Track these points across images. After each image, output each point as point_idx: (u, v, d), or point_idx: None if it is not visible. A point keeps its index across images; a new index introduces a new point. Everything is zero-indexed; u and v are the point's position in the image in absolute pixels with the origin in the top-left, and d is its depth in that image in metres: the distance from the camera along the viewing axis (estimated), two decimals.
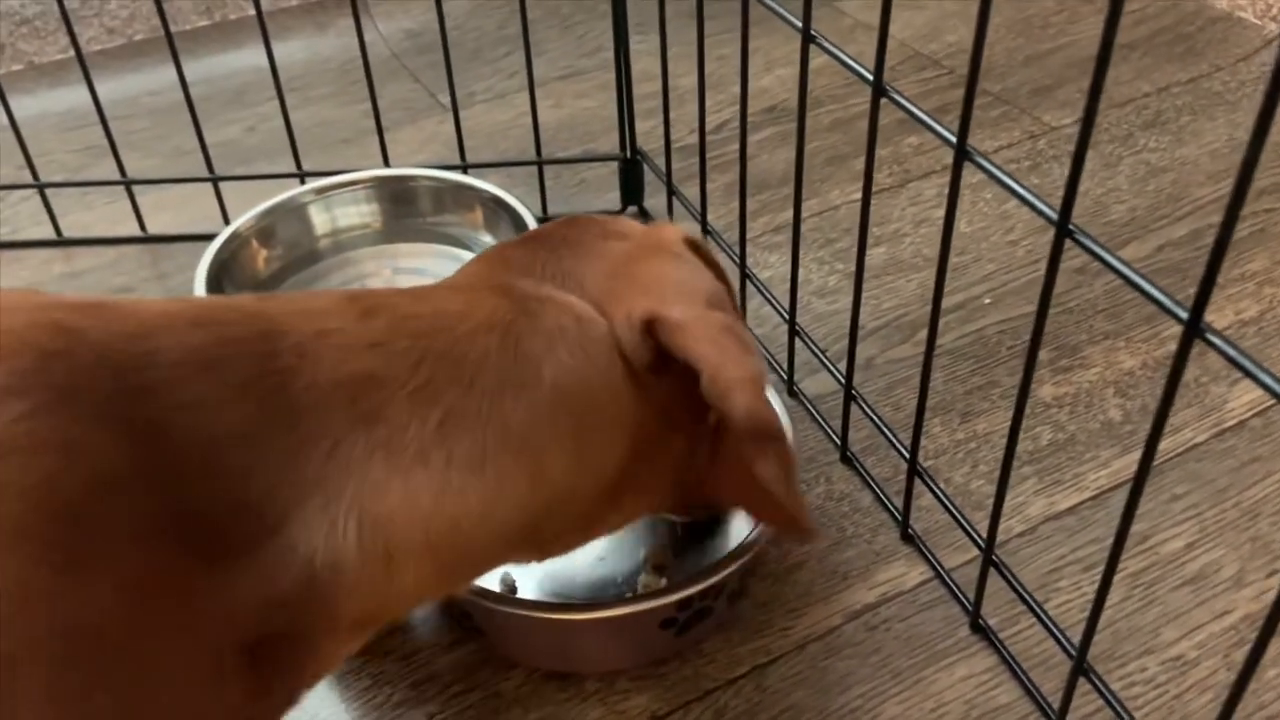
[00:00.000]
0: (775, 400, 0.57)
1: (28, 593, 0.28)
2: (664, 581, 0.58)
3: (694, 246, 0.48)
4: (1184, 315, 0.37)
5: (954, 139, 0.47)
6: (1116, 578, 0.45)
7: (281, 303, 0.37)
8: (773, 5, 0.60)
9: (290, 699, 0.36)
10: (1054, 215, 0.42)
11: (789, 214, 0.87)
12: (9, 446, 0.28)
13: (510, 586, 0.59)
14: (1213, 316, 0.74)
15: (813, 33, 0.56)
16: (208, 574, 0.31)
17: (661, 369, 0.42)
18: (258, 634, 0.33)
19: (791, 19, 0.58)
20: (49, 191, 0.88)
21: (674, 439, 0.45)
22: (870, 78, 0.52)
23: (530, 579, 0.59)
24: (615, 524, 0.47)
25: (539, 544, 0.43)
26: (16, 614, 0.27)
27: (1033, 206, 0.44)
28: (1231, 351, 0.36)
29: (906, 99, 0.51)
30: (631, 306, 0.42)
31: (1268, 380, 0.35)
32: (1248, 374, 0.36)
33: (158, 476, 0.31)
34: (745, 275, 0.74)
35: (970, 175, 0.86)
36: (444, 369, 0.37)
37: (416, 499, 0.35)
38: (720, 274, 0.49)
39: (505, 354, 0.38)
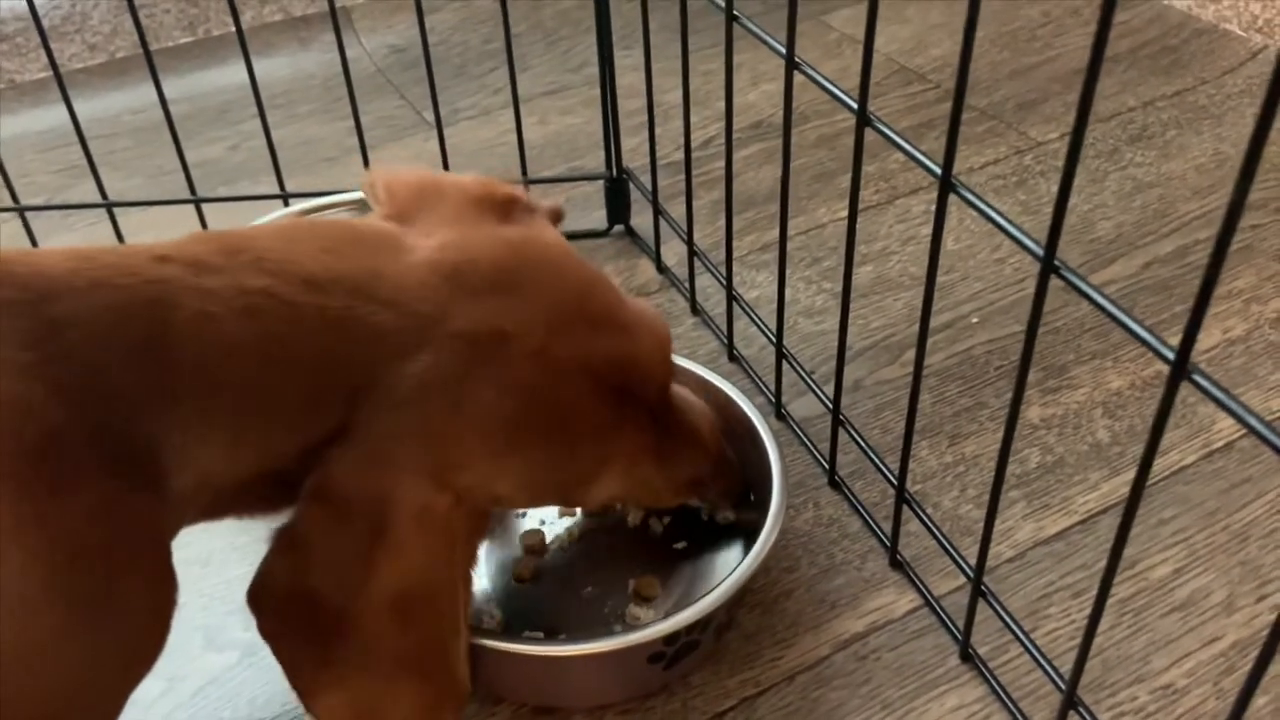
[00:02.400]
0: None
1: (20, 518, 0.34)
2: (651, 613, 0.58)
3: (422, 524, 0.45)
4: (1170, 355, 0.37)
5: (939, 170, 0.47)
6: (1104, 606, 0.45)
7: (177, 263, 0.41)
8: (757, 31, 0.59)
9: None
10: (1039, 250, 0.42)
11: (775, 232, 0.87)
12: None
13: (491, 616, 0.58)
14: (1200, 337, 0.74)
15: (797, 59, 0.56)
16: (139, 497, 0.38)
17: None
18: (165, 543, 0.40)
19: (775, 44, 0.57)
20: (29, 214, 0.87)
21: None
22: (855, 106, 0.51)
23: (517, 612, 0.59)
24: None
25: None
26: (15, 534, 0.34)
27: (1019, 242, 0.43)
28: (1219, 394, 0.36)
29: (890, 128, 0.51)
30: (332, 457, 0.43)
31: (1254, 423, 0.35)
32: (1232, 414, 0.36)
33: (85, 423, 0.37)
34: (732, 296, 0.74)
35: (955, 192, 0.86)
36: (262, 402, 0.41)
37: (226, 461, 0.41)
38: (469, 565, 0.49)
39: (299, 388, 0.42)
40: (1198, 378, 0.36)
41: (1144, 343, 0.38)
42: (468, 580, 0.48)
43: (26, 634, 0.34)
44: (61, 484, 0.35)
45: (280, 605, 0.42)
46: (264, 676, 0.57)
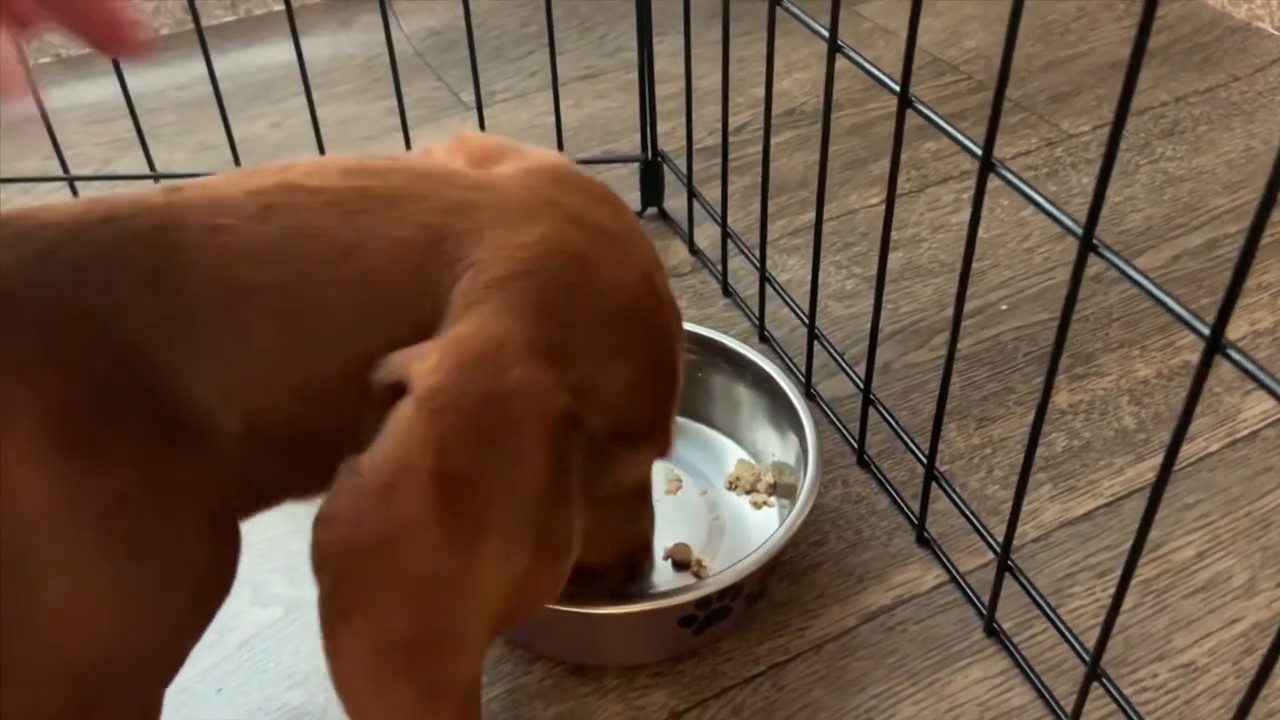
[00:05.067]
0: None
1: (65, 480, 0.33)
2: (684, 579, 0.59)
3: (559, 433, 0.39)
4: (1206, 331, 0.38)
5: (979, 151, 0.48)
6: (1129, 584, 0.46)
7: (188, 191, 0.39)
8: (799, 14, 0.61)
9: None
10: (1078, 230, 0.43)
11: (807, 217, 0.88)
12: (19, 369, 0.34)
13: None
14: (1228, 328, 0.75)
15: (840, 43, 0.57)
16: (184, 453, 0.36)
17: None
18: (223, 495, 0.38)
19: (818, 28, 0.58)
20: (77, 184, 0.89)
21: None
22: (897, 89, 0.53)
23: None
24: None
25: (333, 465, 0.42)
26: (62, 496, 0.33)
27: (1058, 220, 0.44)
28: (1252, 367, 0.37)
29: (931, 109, 0.52)
30: (421, 365, 0.37)
31: None
32: (1268, 390, 0.37)
33: (121, 379, 0.35)
34: (765, 278, 0.75)
35: (988, 181, 0.87)
36: (300, 311, 0.38)
37: (268, 408, 0.38)
38: (565, 477, 0.40)
39: (345, 317, 0.38)
40: (1232, 353, 0.37)
41: (1179, 318, 0.40)
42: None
43: (79, 594, 0.34)
44: (105, 443, 0.35)
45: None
46: (306, 631, 0.59)
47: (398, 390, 0.37)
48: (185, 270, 0.37)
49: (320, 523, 0.37)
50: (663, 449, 0.47)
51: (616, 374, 0.41)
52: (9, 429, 0.33)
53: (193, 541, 0.37)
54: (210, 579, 0.39)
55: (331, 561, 0.37)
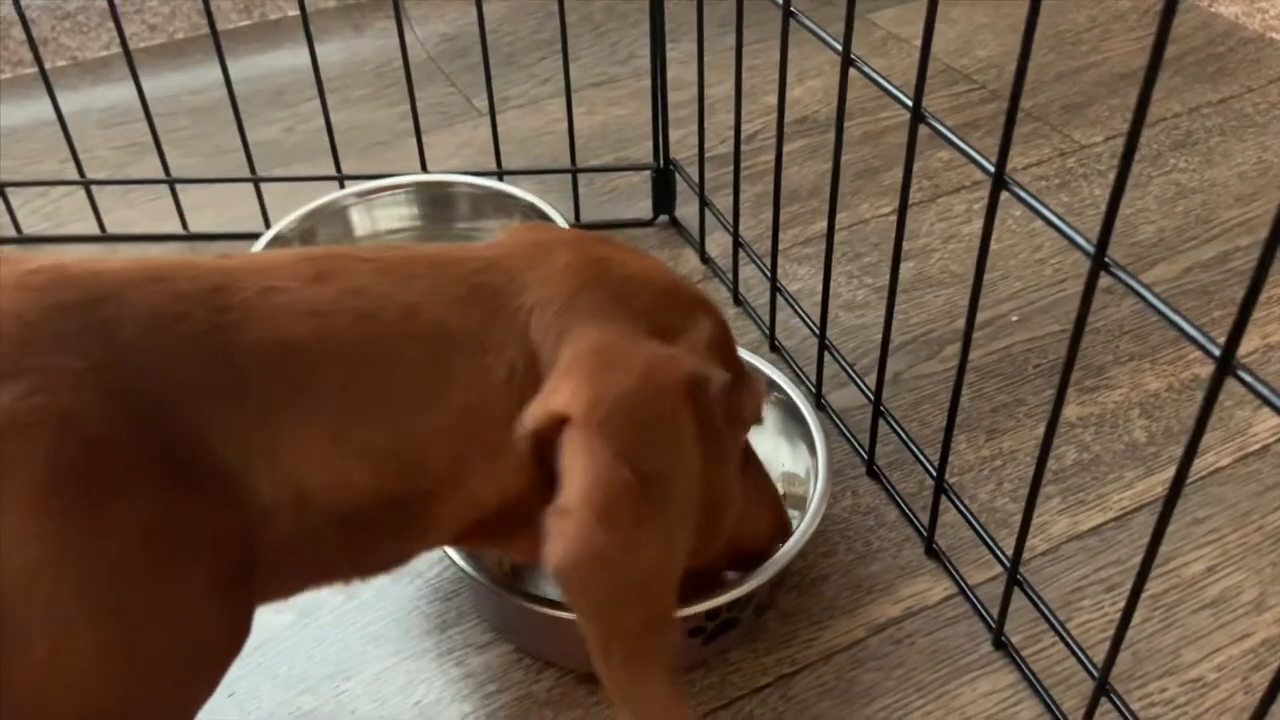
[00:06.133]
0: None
1: (59, 538, 0.33)
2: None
3: (698, 394, 0.43)
4: (1217, 351, 0.38)
5: (992, 167, 0.48)
6: (1139, 599, 0.46)
7: (240, 258, 0.39)
8: (812, 26, 0.61)
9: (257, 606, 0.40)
10: (1090, 247, 0.43)
11: (818, 226, 0.88)
12: (13, 426, 0.33)
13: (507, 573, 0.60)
14: (1240, 342, 0.75)
15: (852, 55, 0.57)
16: (195, 509, 0.36)
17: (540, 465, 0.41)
18: (240, 556, 0.37)
19: (831, 40, 0.59)
20: (93, 188, 0.89)
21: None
22: (909, 103, 0.53)
23: None
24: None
25: (417, 537, 0.44)
26: (53, 557, 0.33)
27: (1070, 239, 0.45)
28: (1263, 389, 0.37)
29: (943, 124, 0.52)
30: (557, 400, 0.39)
31: None
32: (1276, 410, 0.37)
33: (138, 432, 0.35)
34: (776, 288, 0.75)
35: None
36: (366, 364, 0.38)
37: (324, 472, 0.38)
38: (718, 437, 0.45)
39: (425, 372, 0.39)
40: (1242, 374, 0.38)
41: (1189, 338, 0.40)
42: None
43: (64, 657, 0.33)
44: (107, 498, 0.34)
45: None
46: (319, 637, 0.60)
47: (543, 440, 0.39)
48: (235, 329, 0.37)
49: (564, 575, 0.38)
50: (756, 388, 0.49)
51: (700, 331, 0.45)
52: (4, 486, 0.32)
53: (196, 606, 0.36)
54: (213, 644, 0.38)
55: (602, 607, 0.40)
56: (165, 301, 0.36)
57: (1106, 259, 0.43)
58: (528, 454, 0.41)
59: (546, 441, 0.40)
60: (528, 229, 0.47)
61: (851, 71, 0.57)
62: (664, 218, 0.91)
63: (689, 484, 0.42)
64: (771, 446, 0.67)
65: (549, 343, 0.41)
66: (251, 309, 0.37)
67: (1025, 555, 0.62)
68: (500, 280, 0.42)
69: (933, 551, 0.63)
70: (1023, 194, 0.48)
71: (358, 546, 0.41)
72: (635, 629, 0.41)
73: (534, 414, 0.40)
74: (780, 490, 0.65)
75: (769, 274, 0.75)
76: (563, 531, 0.38)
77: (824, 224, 0.65)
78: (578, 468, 0.38)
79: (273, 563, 0.39)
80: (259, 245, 0.74)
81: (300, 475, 0.38)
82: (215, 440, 0.36)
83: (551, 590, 0.60)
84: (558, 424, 0.39)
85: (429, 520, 0.42)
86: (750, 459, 0.54)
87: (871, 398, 0.66)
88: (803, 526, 0.57)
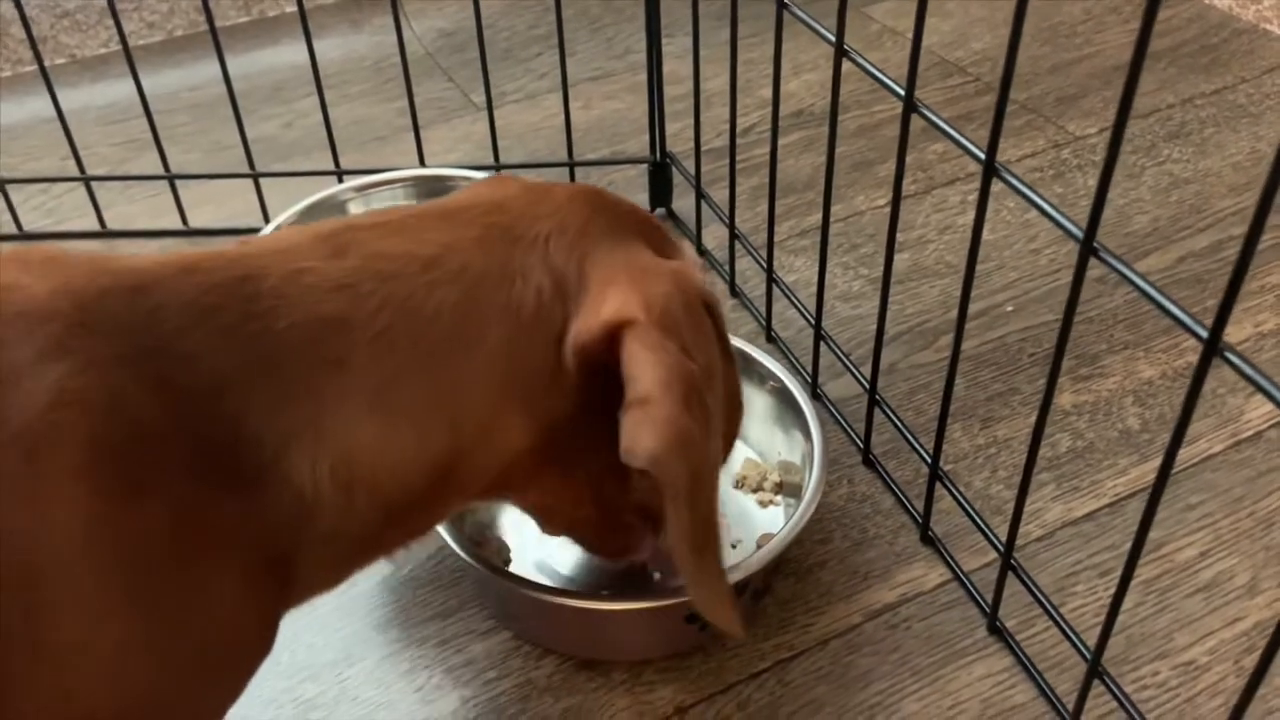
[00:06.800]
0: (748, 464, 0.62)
1: (96, 518, 0.33)
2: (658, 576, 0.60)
3: (710, 308, 0.47)
4: (1204, 333, 0.39)
5: (983, 155, 0.49)
6: (1131, 584, 0.47)
7: (260, 244, 0.40)
8: (806, 18, 0.61)
9: (291, 607, 0.41)
10: (1079, 233, 0.44)
11: (814, 218, 0.89)
12: (62, 401, 0.33)
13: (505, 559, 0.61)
14: (1231, 329, 0.75)
15: (846, 47, 0.58)
16: (228, 499, 0.36)
17: (595, 380, 0.42)
18: (272, 551, 0.37)
19: (825, 32, 0.59)
20: (93, 184, 0.90)
21: (579, 458, 0.46)
22: (902, 94, 0.53)
23: (562, 565, 0.61)
24: (524, 504, 0.51)
25: (452, 495, 0.44)
26: (92, 534, 0.33)
27: (1060, 225, 0.45)
28: (1250, 370, 0.38)
29: (936, 114, 0.53)
30: (609, 309, 0.41)
31: None
32: (1266, 394, 0.38)
33: (176, 420, 0.35)
34: (772, 279, 0.76)
35: (994, 183, 0.87)
36: (402, 319, 0.39)
37: (370, 442, 0.39)
38: (726, 347, 0.48)
39: (458, 312, 0.40)
40: (1230, 355, 0.38)
41: (1178, 321, 0.40)
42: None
43: (94, 643, 0.33)
44: (144, 485, 0.34)
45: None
46: (321, 624, 0.60)
47: (592, 354, 0.41)
48: (269, 314, 0.37)
49: (659, 458, 0.39)
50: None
51: (687, 253, 0.48)
52: (50, 458, 0.32)
53: (227, 602, 0.36)
54: (243, 643, 0.38)
55: (688, 488, 0.40)
56: (200, 293, 0.37)
57: (1095, 244, 0.43)
58: (574, 372, 0.42)
59: (596, 355, 0.41)
60: (499, 179, 0.48)
61: (846, 64, 0.58)
62: (661, 210, 0.92)
63: (719, 381, 0.45)
64: (768, 435, 0.67)
65: (573, 265, 0.43)
66: (281, 294, 0.38)
67: (1020, 541, 0.63)
68: (508, 219, 0.43)
69: (928, 538, 0.64)
70: (1013, 180, 0.48)
71: (400, 519, 0.42)
72: (706, 515, 0.43)
73: (588, 326, 0.41)
74: (776, 478, 0.66)
75: (765, 265, 0.76)
76: (649, 418, 0.39)
77: (819, 216, 0.65)
78: (650, 362, 0.40)
79: (315, 560, 0.39)
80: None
81: (346, 452, 0.38)
82: (254, 429, 0.36)
83: (548, 577, 0.61)
84: (613, 332, 0.41)
85: (469, 473, 0.42)
86: None
87: (867, 387, 0.67)
88: (799, 514, 0.58)
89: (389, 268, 0.40)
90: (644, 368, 0.40)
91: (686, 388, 0.40)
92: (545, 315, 0.42)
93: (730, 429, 0.52)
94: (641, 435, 0.39)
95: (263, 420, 0.36)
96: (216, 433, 0.36)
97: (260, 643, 0.39)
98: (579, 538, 0.55)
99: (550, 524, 0.53)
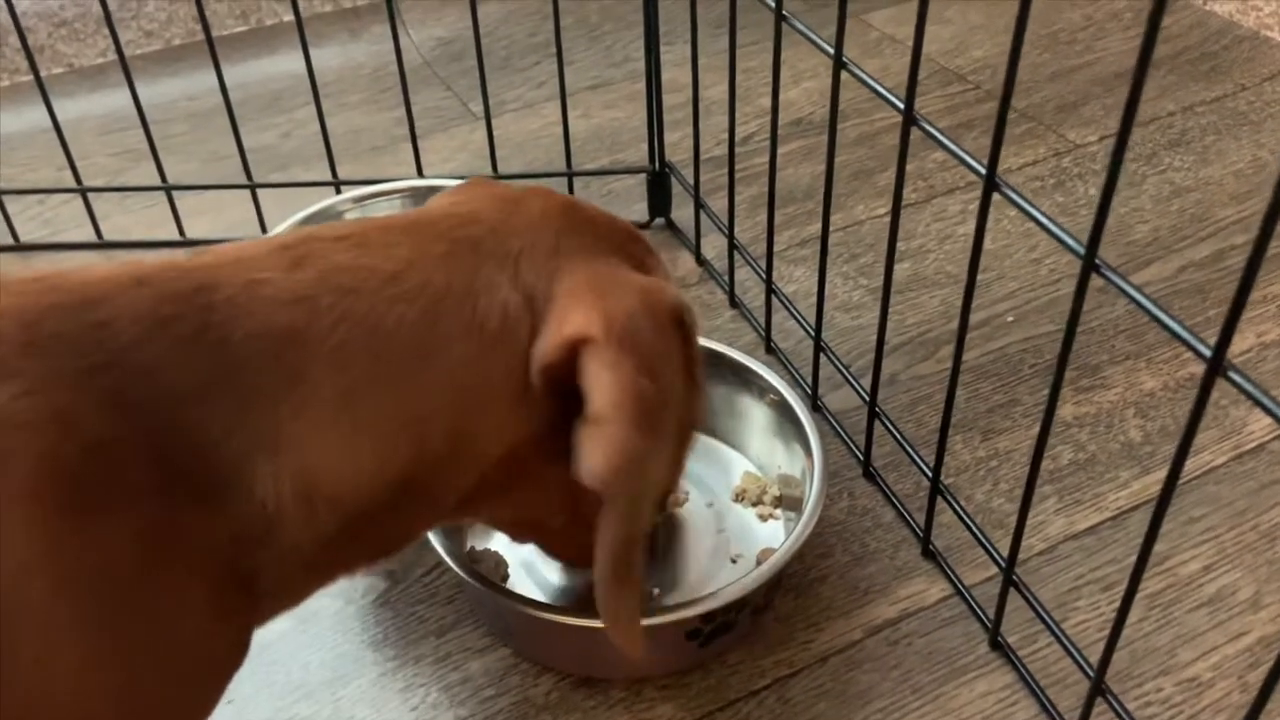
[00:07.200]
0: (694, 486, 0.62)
1: (53, 537, 0.32)
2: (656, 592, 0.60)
3: (682, 325, 0.46)
4: (1207, 352, 0.38)
5: (983, 169, 0.48)
6: (1134, 598, 0.46)
7: (217, 254, 0.40)
8: (804, 30, 0.61)
9: (258, 624, 0.41)
10: (1081, 249, 0.43)
11: (813, 228, 0.88)
12: (11, 423, 0.32)
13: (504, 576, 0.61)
14: (1234, 340, 0.75)
15: (844, 59, 0.57)
16: (191, 513, 0.35)
17: (564, 396, 0.42)
18: (237, 564, 0.37)
19: (823, 44, 0.59)
20: (90, 195, 0.90)
21: (549, 470, 0.45)
22: (901, 105, 0.53)
23: (561, 582, 0.61)
24: (488, 520, 0.52)
25: (420, 510, 0.44)
26: (51, 553, 0.32)
27: (1061, 241, 0.45)
28: (1253, 390, 0.37)
29: (935, 127, 0.52)
30: (570, 326, 0.41)
31: None
32: (1267, 410, 0.37)
33: (134, 436, 0.34)
34: (771, 290, 0.76)
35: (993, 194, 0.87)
36: (360, 334, 0.39)
37: (328, 455, 0.38)
38: (694, 366, 0.48)
39: (419, 328, 0.40)
40: (1233, 375, 0.38)
41: (1180, 339, 0.40)
42: None
43: (57, 661, 0.33)
44: (103, 502, 0.33)
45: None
46: (316, 643, 0.60)
47: (556, 371, 0.41)
48: (226, 325, 0.37)
49: (607, 477, 0.40)
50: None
51: (664, 268, 0.49)
52: (2, 476, 0.32)
53: (192, 618, 0.36)
54: (211, 659, 0.37)
55: (631, 508, 0.41)
56: (154, 304, 0.36)
57: (1097, 260, 0.43)
58: (541, 388, 0.42)
59: (559, 372, 0.41)
60: (474, 184, 0.48)
61: (846, 74, 0.57)
62: (660, 220, 0.91)
63: (677, 402, 0.45)
64: (768, 449, 0.67)
65: (543, 283, 0.42)
66: (237, 305, 0.37)
67: (1021, 555, 0.62)
68: (478, 233, 0.43)
69: (929, 552, 0.63)
70: (1014, 196, 0.48)
71: (364, 535, 0.41)
72: (636, 532, 0.43)
73: (550, 344, 0.41)
74: (776, 492, 0.66)
75: (764, 276, 0.75)
76: (601, 437, 0.40)
77: (819, 226, 0.65)
78: (606, 380, 0.40)
79: (278, 574, 0.39)
80: None
81: (305, 464, 0.37)
82: (215, 441, 0.36)
83: (544, 594, 0.60)
84: (573, 349, 0.41)
85: (436, 490, 0.42)
86: None
87: (867, 399, 0.66)
88: (799, 528, 0.57)
89: (349, 281, 0.39)
90: (598, 386, 0.40)
91: (638, 408, 0.40)
92: (511, 332, 0.42)
93: (680, 452, 0.52)
94: (591, 454, 0.40)
95: (222, 432, 0.36)
96: (176, 446, 0.35)
97: (229, 657, 0.38)
98: (546, 545, 0.56)
99: (518, 533, 0.54)
